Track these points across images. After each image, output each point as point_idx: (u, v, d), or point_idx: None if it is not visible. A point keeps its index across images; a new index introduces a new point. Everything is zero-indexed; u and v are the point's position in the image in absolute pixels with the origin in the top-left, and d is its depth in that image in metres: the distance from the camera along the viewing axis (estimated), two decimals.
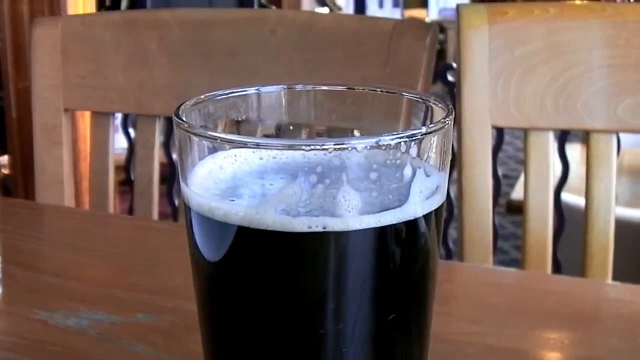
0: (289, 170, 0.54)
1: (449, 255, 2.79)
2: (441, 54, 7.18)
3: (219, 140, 0.54)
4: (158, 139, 1.45)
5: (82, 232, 1.14)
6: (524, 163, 1.32)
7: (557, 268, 1.88)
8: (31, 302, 0.89)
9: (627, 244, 1.86)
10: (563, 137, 2.17)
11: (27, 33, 2.64)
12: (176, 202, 1.87)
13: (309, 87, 0.64)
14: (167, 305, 0.88)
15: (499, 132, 2.39)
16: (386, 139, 0.51)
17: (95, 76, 1.45)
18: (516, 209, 3.10)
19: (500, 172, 2.27)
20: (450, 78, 2.79)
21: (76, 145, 2.39)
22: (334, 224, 0.51)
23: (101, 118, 1.48)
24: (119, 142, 2.00)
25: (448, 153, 0.56)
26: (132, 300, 0.89)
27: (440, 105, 0.58)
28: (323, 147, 0.50)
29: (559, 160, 2.09)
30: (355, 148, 0.50)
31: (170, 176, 1.97)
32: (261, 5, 4.89)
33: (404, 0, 8.27)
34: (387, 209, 0.52)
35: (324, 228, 0.51)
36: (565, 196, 2.11)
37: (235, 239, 0.53)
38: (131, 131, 2.34)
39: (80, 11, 2.82)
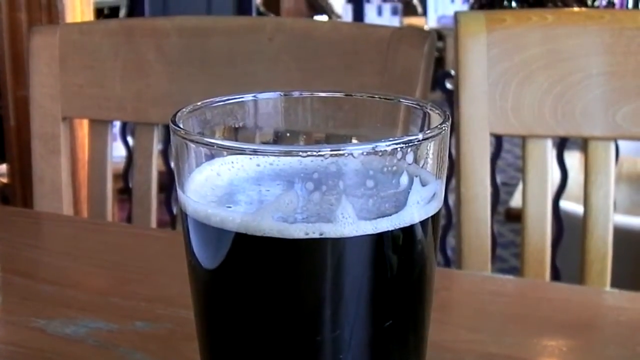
0: (286, 177, 0.54)
1: (447, 263, 2.79)
2: (440, 61, 7.18)
3: (215, 147, 0.54)
4: (156, 147, 1.45)
5: (81, 240, 1.14)
6: (522, 170, 1.32)
7: (556, 275, 1.88)
8: (29, 310, 0.89)
9: (625, 252, 1.86)
10: (562, 145, 2.17)
11: (25, 41, 2.63)
12: (174, 211, 1.87)
13: (306, 94, 0.64)
14: (165, 313, 0.88)
15: (498, 140, 2.39)
16: (383, 145, 0.51)
17: (94, 84, 1.45)
18: (515, 217, 3.09)
19: (499, 180, 2.27)
20: (448, 86, 2.79)
21: (74, 154, 2.38)
22: (331, 231, 0.51)
23: (99, 126, 1.48)
24: (117, 151, 2.00)
25: (445, 159, 0.56)
26: (130, 308, 0.89)
27: (437, 111, 0.58)
28: (319, 153, 0.50)
29: (558, 168, 2.09)
30: (351, 154, 0.50)
31: (169, 184, 1.97)
32: (259, 13, 4.90)
33: (403, 8, 8.27)
34: (384, 216, 0.52)
35: (321, 235, 0.51)
36: (564, 204, 2.11)
37: (232, 246, 0.52)
38: (129, 140, 2.34)
39: (79, 19, 2.82)
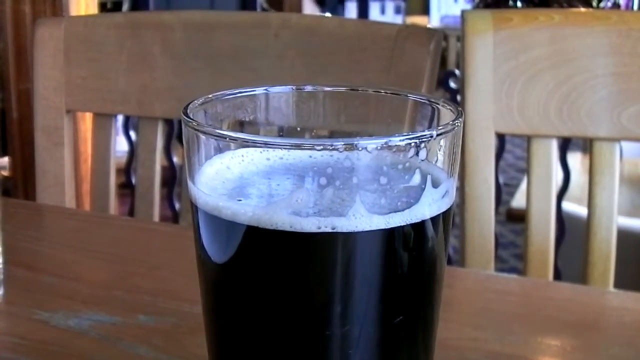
0: (296, 171, 0.53)
1: (449, 262, 2.78)
2: (442, 61, 7.18)
3: (227, 139, 0.54)
4: (160, 141, 1.45)
5: (84, 233, 1.13)
6: (526, 170, 1.31)
7: (558, 277, 1.88)
8: (32, 302, 0.89)
9: (626, 255, 1.86)
10: (565, 146, 2.17)
11: (29, 34, 2.63)
12: (177, 206, 1.86)
13: (318, 88, 0.64)
14: (168, 307, 0.87)
15: (501, 140, 2.39)
16: (396, 140, 0.51)
17: (98, 78, 1.45)
18: (516, 217, 3.09)
19: (500, 180, 2.26)
20: (452, 84, 2.79)
21: (77, 148, 2.39)
22: (343, 225, 0.50)
23: (103, 120, 1.47)
24: (120, 145, 1.99)
25: (457, 156, 0.56)
26: (134, 302, 0.89)
27: (449, 107, 0.58)
28: (333, 147, 0.50)
29: (561, 169, 2.09)
30: (365, 148, 0.50)
31: (171, 180, 1.97)
32: (263, 10, 4.89)
33: (406, 7, 8.27)
34: (396, 211, 0.52)
35: (333, 229, 0.50)
36: (566, 205, 2.11)
37: (243, 239, 0.52)
38: (132, 134, 2.34)
39: (82, 12, 2.82)
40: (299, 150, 0.53)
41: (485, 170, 1.29)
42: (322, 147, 0.50)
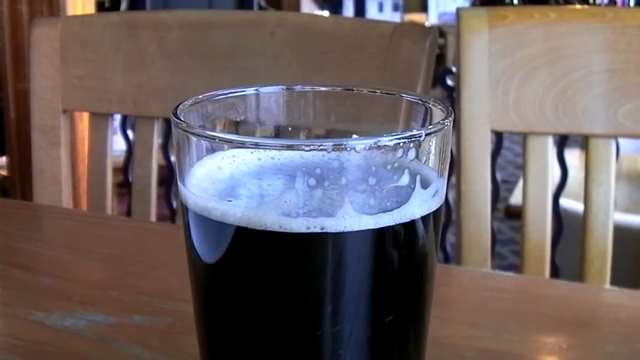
0: (287, 172, 0.53)
1: (447, 259, 2.78)
2: (440, 58, 7.16)
3: (217, 140, 0.54)
4: (157, 140, 1.45)
5: (80, 233, 1.13)
6: (523, 167, 1.31)
7: (555, 273, 1.88)
8: (28, 302, 0.89)
9: (624, 251, 1.86)
10: (562, 143, 2.17)
11: (26, 34, 2.63)
12: (174, 205, 1.87)
13: (308, 88, 0.64)
14: (164, 307, 0.87)
15: (498, 137, 2.39)
16: (385, 140, 0.51)
17: (94, 77, 1.45)
18: (515, 214, 3.09)
19: (498, 177, 2.27)
20: (449, 82, 2.79)
21: (74, 147, 2.38)
22: (332, 225, 0.50)
23: (100, 119, 1.47)
24: (117, 145, 1.99)
25: (447, 155, 0.56)
26: (130, 302, 0.89)
27: (439, 106, 0.58)
28: (322, 147, 0.50)
29: (558, 166, 2.09)
30: (354, 149, 0.50)
31: (169, 179, 1.97)
32: (260, 8, 4.89)
33: (404, 4, 8.26)
34: (385, 211, 0.52)
35: (322, 229, 0.50)
36: (563, 201, 2.11)
37: (233, 239, 0.52)
38: (130, 133, 2.34)
39: (80, 12, 2.82)
40: (289, 151, 0.53)
41: (482, 168, 1.29)
42: (310, 147, 0.50)
